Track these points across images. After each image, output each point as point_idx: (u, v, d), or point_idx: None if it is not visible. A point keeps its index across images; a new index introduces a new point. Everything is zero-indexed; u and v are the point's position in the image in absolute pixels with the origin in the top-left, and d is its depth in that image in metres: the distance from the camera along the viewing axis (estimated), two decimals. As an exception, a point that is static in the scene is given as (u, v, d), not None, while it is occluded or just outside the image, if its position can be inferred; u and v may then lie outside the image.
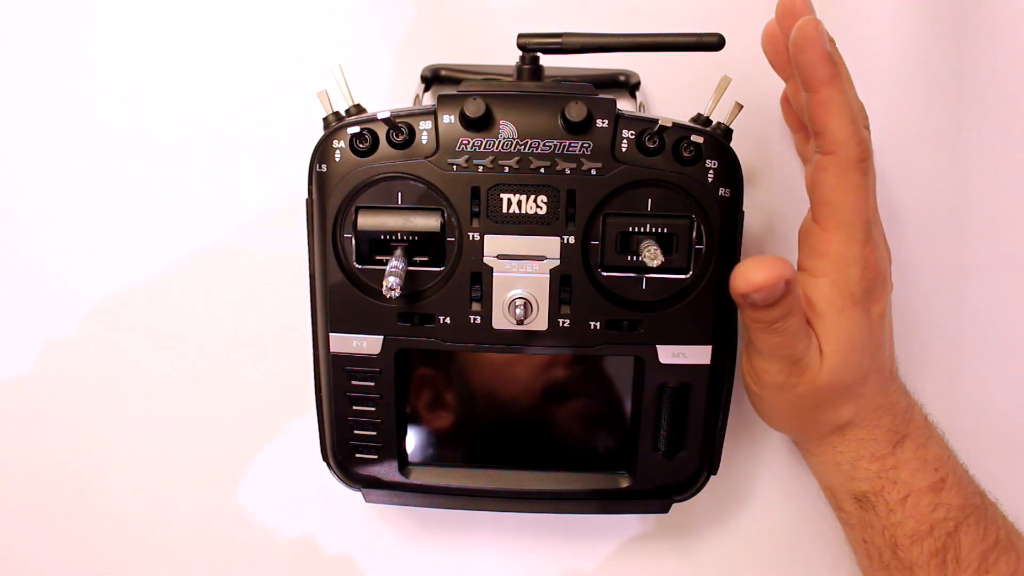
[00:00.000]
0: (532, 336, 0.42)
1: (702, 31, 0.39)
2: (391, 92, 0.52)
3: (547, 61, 0.42)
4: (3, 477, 0.54)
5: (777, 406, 0.43)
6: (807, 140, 0.49)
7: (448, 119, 0.39)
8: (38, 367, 0.53)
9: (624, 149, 0.40)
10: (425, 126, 0.40)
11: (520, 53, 0.41)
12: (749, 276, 0.37)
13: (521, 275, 0.41)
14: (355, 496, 0.45)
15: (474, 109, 0.39)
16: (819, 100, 0.38)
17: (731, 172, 0.41)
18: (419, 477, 0.45)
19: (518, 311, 0.41)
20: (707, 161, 0.40)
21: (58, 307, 0.53)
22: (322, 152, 0.41)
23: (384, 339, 0.42)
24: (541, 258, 0.41)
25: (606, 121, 0.39)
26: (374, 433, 0.44)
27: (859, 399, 0.42)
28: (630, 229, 0.41)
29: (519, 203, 0.40)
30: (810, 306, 0.41)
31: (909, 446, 0.43)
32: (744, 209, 0.42)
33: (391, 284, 0.38)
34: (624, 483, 0.45)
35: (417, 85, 0.50)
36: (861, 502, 0.44)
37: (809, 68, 0.37)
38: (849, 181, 0.39)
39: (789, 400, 0.42)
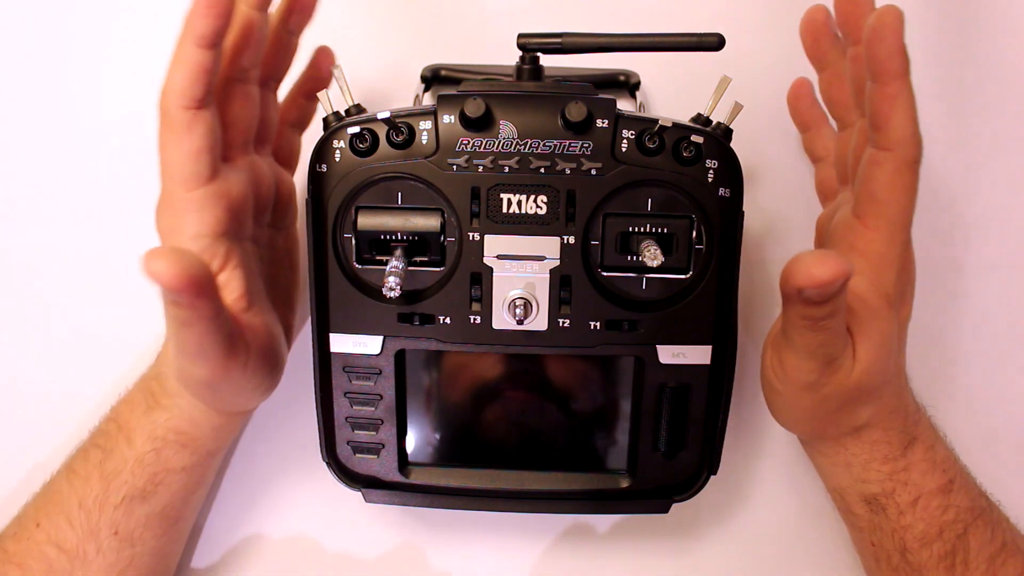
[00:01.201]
0: (532, 336, 0.42)
1: (702, 31, 0.39)
2: (391, 92, 0.52)
3: (547, 61, 0.42)
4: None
5: (799, 406, 0.42)
6: (817, 139, 0.49)
7: (448, 119, 0.39)
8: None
9: (624, 149, 0.40)
10: (425, 126, 0.40)
11: (520, 53, 0.41)
12: (812, 270, 0.34)
13: (521, 275, 0.41)
14: (355, 496, 0.45)
15: (474, 109, 0.38)
16: (887, 93, 0.37)
17: (731, 172, 0.41)
18: (419, 477, 0.45)
19: (518, 311, 0.41)
20: (707, 161, 0.40)
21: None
22: (322, 152, 0.41)
23: (384, 339, 0.42)
24: (541, 258, 0.41)
25: (606, 121, 0.39)
26: (374, 433, 0.44)
27: (879, 401, 0.41)
28: (630, 229, 0.41)
29: (519, 203, 0.40)
30: (847, 304, 0.39)
31: (919, 448, 0.42)
32: (744, 209, 0.42)
33: (391, 284, 0.38)
34: (624, 483, 0.45)
35: (417, 85, 0.50)
36: (871, 504, 0.43)
37: (885, 58, 0.36)
38: (902, 180, 0.38)
39: (814, 400, 0.41)
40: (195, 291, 0.34)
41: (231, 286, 0.40)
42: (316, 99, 0.44)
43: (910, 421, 0.43)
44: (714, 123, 0.41)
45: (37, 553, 0.44)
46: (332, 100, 0.41)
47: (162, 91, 0.38)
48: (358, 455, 0.45)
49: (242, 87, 0.41)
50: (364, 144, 0.40)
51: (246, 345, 0.40)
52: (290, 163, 0.48)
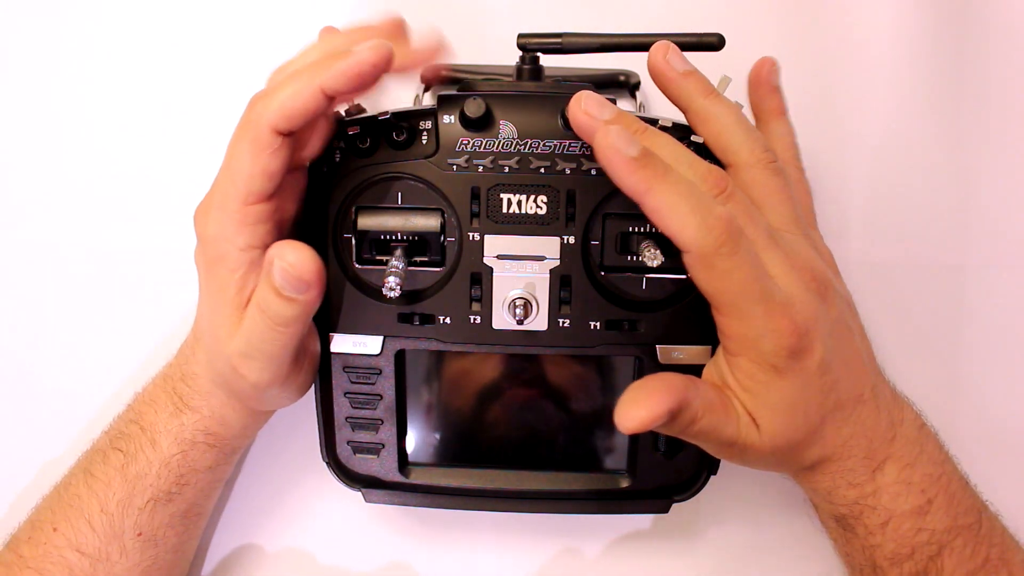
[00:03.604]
0: (532, 336, 0.42)
1: (702, 31, 0.39)
2: (391, 92, 0.52)
3: (547, 61, 0.42)
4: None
5: (743, 464, 0.41)
6: (766, 135, 0.46)
7: (448, 119, 0.39)
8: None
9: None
10: (425, 126, 0.40)
11: (520, 53, 0.41)
12: (629, 415, 0.36)
13: (521, 275, 0.41)
14: (355, 496, 0.45)
15: (474, 109, 0.39)
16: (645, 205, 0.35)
17: (731, 172, 0.41)
18: (419, 477, 0.45)
19: (518, 311, 0.41)
20: (707, 161, 0.40)
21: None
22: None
23: (384, 339, 0.42)
24: (541, 258, 0.41)
25: (606, 121, 0.39)
26: (374, 433, 0.44)
27: (821, 441, 0.39)
28: (630, 229, 0.41)
29: (519, 203, 0.40)
30: (735, 384, 0.38)
31: (891, 469, 0.40)
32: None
33: (391, 284, 0.38)
34: (624, 483, 0.45)
35: (417, 85, 0.50)
36: (840, 522, 0.42)
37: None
38: (713, 271, 0.35)
39: (745, 462, 0.40)
40: (320, 290, 0.37)
41: None
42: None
43: (878, 441, 0.40)
44: (714, 123, 0.41)
45: (56, 558, 0.43)
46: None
47: (263, 103, 0.37)
48: (358, 455, 0.45)
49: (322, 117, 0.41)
50: (364, 144, 0.40)
51: (305, 349, 0.41)
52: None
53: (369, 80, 0.36)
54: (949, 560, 0.40)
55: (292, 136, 0.37)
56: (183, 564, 0.49)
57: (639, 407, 0.36)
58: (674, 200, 0.34)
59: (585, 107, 0.36)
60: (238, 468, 0.54)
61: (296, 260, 0.36)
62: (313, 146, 0.40)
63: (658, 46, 0.38)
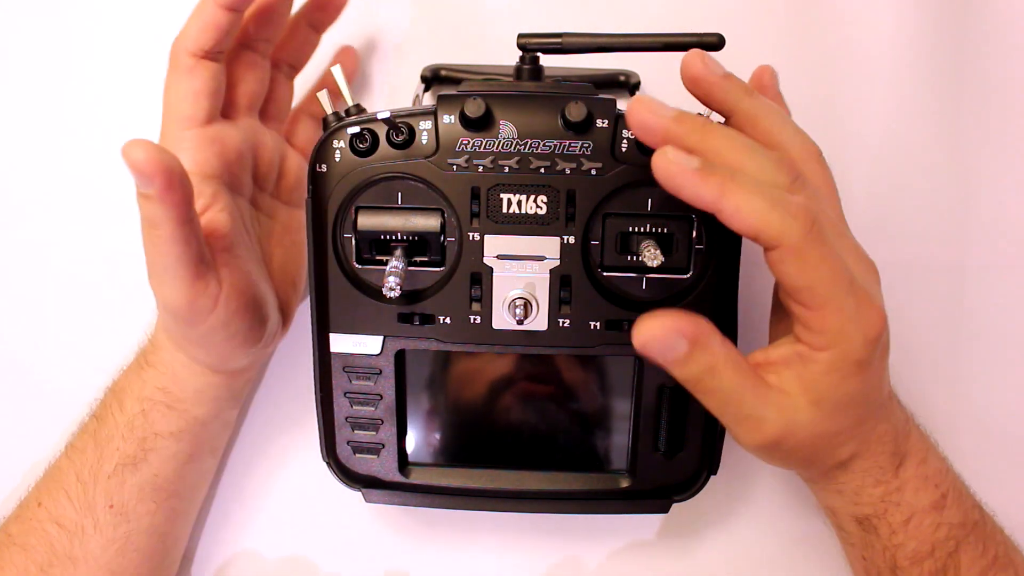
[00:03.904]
0: (532, 336, 0.42)
1: (702, 31, 0.39)
2: (391, 92, 0.52)
3: (547, 61, 0.42)
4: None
5: (766, 454, 0.40)
6: None
7: (448, 119, 0.39)
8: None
9: (624, 149, 0.40)
10: (425, 126, 0.40)
11: (520, 53, 0.41)
12: (643, 327, 0.35)
13: (521, 275, 0.41)
14: (355, 496, 0.45)
15: (474, 109, 0.38)
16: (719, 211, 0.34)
17: (731, 172, 0.40)
18: (419, 477, 0.45)
19: (518, 311, 0.41)
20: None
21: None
22: (322, 152, 0.40)
23: (384, 339, 0.42)
24: (541, 258, 0.41)
25: (606, 121, 0.39)
26: (374, 433, 0.44)
27: (861, 436, 0.39)
28: (630, 229, 0.41)
29: (519, 203, 0.40)
30: (807, 379, 0.37)
31: (911, 464, 0.41)
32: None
33: (391, 284, 0.38)
34: (624, 483, 0.45)
35: (417, 85, 0.50)
36: (863, 524, 0.42)
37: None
38: (805, 262, 0.34)
39: (776, 452, 0.38)
40: (166, 181, 0.36)
41: (214, 225, 0.42)
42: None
43: (900, 437, 0.40)
44: (714, 123, 0.41)
45: (39, 531, 0.44)
46: (332, 100, 0.41)
47: (175, 38, 0.42)
48: (358, 455, 0.45)
49: (250, 54, 0.45)
50: (364, 144, 0.40)
51: (218, 278, 0.41)
52: (305, 151, 0.50)
53: None
54: (965, 556, 0.40)
55: (213, 58, 0.42)
56: (166, 557, 0.48)
57: (655, 321, 0.35)
58: (751, 199, 0.33)
59: (649, 107, 0.35)
60: (236, 468, 0.54)
61: (136, 155, 0.35)
62: (249, 87, 0.45)
63: (692, 54, 0.37)
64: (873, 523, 0.41)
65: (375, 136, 0.40)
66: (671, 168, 0.34)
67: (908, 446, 0.41)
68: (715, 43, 0.39)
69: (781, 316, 0.40)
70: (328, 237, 0.41)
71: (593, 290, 0.41)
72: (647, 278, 0.41)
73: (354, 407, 0.44)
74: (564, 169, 0.40)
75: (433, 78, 0.50)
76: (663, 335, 0.35)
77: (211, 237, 0.41)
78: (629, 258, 0.41)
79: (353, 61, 0.52)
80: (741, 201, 0.33)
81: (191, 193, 0.38)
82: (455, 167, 0.40)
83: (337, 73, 0.41)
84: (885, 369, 0.39)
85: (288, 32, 0.47)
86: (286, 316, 0.47)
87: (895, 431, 0.40)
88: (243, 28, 0.44)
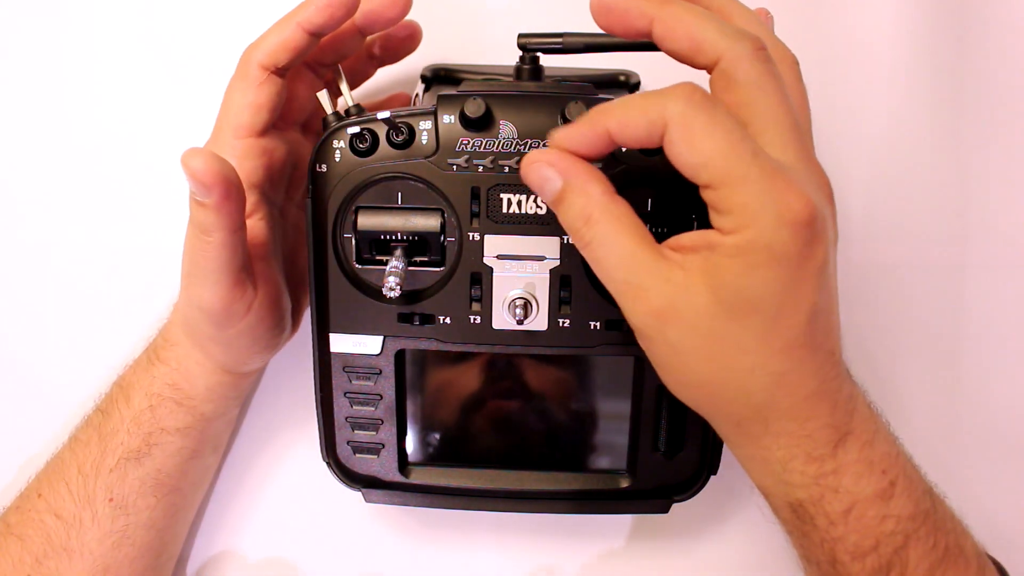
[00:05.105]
0: (532, 336, 0.42)
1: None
2: (391, 92, 0.52)
3: (547, 61, 0.42)
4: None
5: (663, 366, 0.35)
6: None
7: (448, 119, 0.39)
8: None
9: (624, 149, 0.40)
10: (425, 126, 0.40)
11: (520, 53, 0.41)
12: (524, 159, 0.34)
13: (521, 275, 0.41)
14: (355, 496, 0.45)
15: (474, 109, 0.38)
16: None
17: (731, 172, 0.40)
18: (419, 477, 0.45)
19: (518, 311, 0.41)
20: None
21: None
22: (322, 152, 0.40)
23: (384, 339, 0.42)
24: (541, 258, 0.41)
25: (606, 121, 0.39)
26: (374, 433, 0.44)
27: (782, 381, 0.34)
28: (630, 229, 0.41)
29: (519, 203, 0.40)
30: (711, 263, 0.33)
31: (853, 445, 0.35)
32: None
33: (391, 284, 0.38)
34: (624, 483, 0.45)
35: (417, 85, 0.50)
36: (798, 512, 0.36)
37: None
38: (692, 131, 0.32)
39: (670, 364, 0.35)
40: (224, 191, 0.37)
41: (254, 233, 0.43)
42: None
43: (840, 411, 0.35)
44: (714, 123, 0.41)
45: (37, 522, 0.44)
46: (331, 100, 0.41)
47: (250, 45, 0.42)
48: (358, 455, 0.45)
49: (312, 76, 0.46)
50: (364, 144, 0.40)
51: (254, 285, 0.42)
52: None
53: (339, 14, 0.40)
54: (914, 552, 0.36)
55: (281, 74, 0.42)
56: (162, 553, 0.48)
57: (538, 152, 0.34)
58: (688, 15, 0.33)
59: None
60: (235, 467, 0.54)
61: (196, 165, 0.36)
62: (301, 103, 0.45)
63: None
64: (809, 511, 0.36)
65: (375, 136, 0.40)
66: None
67: (852, 423, 0.35)
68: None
69: None
70: (328, 237, 0.41)
71: (593, 290, 0.41)
72: (647, 278, 0.41)
73: (354, 407, 0.44)
74: (564, 169, 0.40)
75: (433, 78, 0.50)
76: (536, 163, 0.34)
77: (251, 245, 0.42)
78: (629, 258, 0.41)
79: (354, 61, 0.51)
80: (681, 11, 0.33)
81: (244, 203, 0.39)
82: (455, 167, 0.40)
83: (337, 73, 0.41)
84: (826, 307, 0.34)
85: (351, 60, 0.47)
86: (296, 318, 0.48)
87: (833, 398, 0.35)
88: (315, 50, 0.44)
